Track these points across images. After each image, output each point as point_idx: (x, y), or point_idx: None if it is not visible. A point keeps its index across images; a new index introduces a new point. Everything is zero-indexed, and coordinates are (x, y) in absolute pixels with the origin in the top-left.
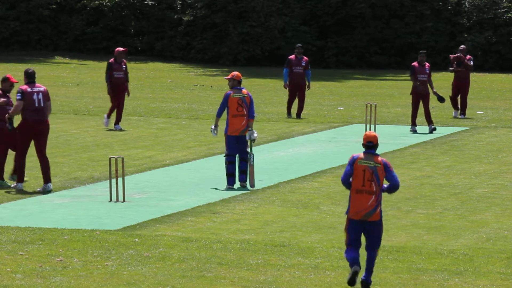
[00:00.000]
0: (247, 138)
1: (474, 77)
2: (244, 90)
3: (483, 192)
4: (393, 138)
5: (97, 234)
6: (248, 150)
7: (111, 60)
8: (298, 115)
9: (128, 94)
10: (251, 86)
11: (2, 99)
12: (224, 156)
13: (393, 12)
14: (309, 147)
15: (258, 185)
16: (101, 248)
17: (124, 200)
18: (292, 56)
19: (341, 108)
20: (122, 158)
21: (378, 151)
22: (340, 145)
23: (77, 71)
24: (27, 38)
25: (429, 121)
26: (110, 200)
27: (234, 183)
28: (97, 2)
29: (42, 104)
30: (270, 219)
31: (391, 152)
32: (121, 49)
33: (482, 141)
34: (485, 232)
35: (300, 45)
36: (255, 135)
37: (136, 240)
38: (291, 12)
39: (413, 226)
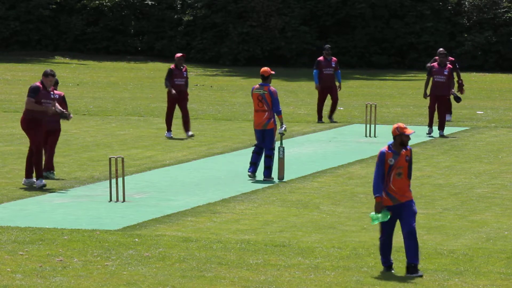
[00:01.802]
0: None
1: (474, 77)
2: (266, 87)
3: (483, 192)
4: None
5: (97, 234)
6: (275, 144)
7: (172, 66)
8: (330, 117)
9: (187, 100)
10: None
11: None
12: (253, 146)
13: (393, 12)
14: (309, 147)
15: (258, 185)
16: (101, 248)
17: (124, 200)
18: (321, 58)
19: (341, 108)
20: (122, 158)
21: (377, 151)
22: (340, 145)
23: (77, 71)
24: (27, 38)
25: (431, 124)
26: (110, 200)
27: (254, 172)
28: (97, 2)
29: None
30: (270, 219)
31: None
32: (179, 54)
33: (482, 141)
34: (485, 232)
35: (328, 46)
36: (281, 129)
37: (136, 240)
38: (291, 12)
39: None
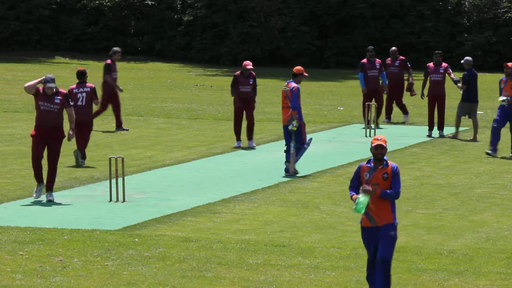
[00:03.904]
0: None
1: None
2: (289, 83)
3: (483, 192)
4: (393, 138)
5: (97, 234)
6: (292, 140)
7: (238, 73)
8: (376, 122)
9: (254, 108)
10: None
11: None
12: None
13: (393, 12)
14: (309, 147)
15: (258, 185)
16: (101, 248)
17: (124, 200)
18: (365, 60)
19: (341, 108)
20: (122, 158)
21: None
22: (340, 145)
23: None
24: (27, 38)
25: (432, 127)
26: (110, 200)
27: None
28: (97, 2)
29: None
30: (270, 219)
31: (391, 152)
32: (247, 63)
33: (482, 141)
34: (485, 232)
35: (371, 47)
36: (290, 126)
37: (136, 240)
38: (291, 12)
39: (413, 226)
